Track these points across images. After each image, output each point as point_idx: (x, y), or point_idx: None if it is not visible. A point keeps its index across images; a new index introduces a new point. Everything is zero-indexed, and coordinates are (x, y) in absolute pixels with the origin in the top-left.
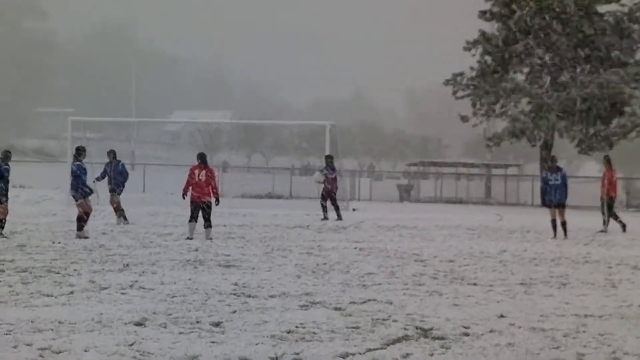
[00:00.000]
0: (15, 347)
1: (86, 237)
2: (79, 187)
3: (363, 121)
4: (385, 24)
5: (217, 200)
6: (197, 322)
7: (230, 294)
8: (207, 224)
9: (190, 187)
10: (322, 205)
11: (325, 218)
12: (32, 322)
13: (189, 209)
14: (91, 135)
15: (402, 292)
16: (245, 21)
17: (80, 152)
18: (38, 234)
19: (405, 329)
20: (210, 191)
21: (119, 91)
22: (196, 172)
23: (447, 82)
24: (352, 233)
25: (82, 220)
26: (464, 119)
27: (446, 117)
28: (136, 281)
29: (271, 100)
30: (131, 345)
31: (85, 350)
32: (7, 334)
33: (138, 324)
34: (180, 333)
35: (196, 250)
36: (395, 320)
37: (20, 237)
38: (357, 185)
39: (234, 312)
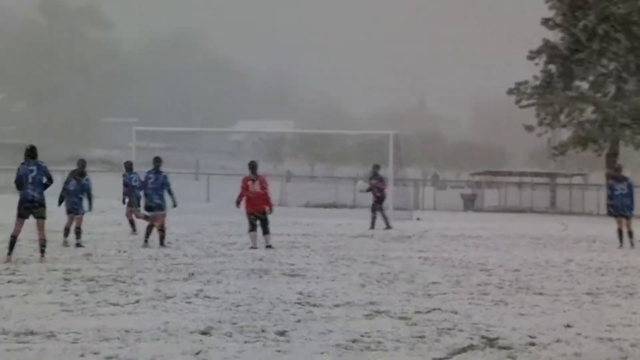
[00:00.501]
0: (82, 355)
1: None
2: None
3: (426, 130)
4: (448, 33)
5: (271, 209)
6: (263, 331)
7: (295, 303)
8: (266, 232)
9: (245, 198)
10: (382, 215)
11: (389, 227)
12: (98, 330)
13: (247, 220)
14: (155, 145)
15: (467, 301)
16: (309, 31)
17: (160, 162)
18: (104, 243)
19: (471, 338)
20: (265, 200)
21: (183, 101)
22: (249, 183)
23: (510, 91)
24: (416, 242)
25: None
26: (529, 128)
27: (510, 126)
28: (201, 290)
29: (334, 110)
30: (197, 354)
31: (152, 359)
32: (74, 342)
33: (203, 333)
34: (246, 342)
35: (260, 259)
36: (460, 330)
37: (86, 246)
38: (421, 194)
39: (299, 321)
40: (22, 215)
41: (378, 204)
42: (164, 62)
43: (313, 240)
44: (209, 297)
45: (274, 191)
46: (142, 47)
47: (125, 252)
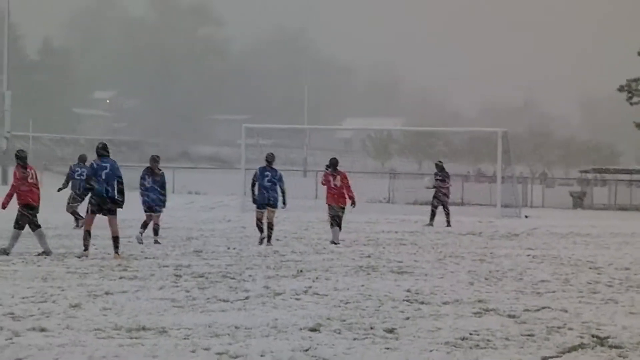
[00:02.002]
0: (193, 351)
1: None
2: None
3: (535, 128)
4: (557, 30)
5: (353, 202)
6: (371, 328)
7: (403, 300)
8: (338, 226)
9: (329, 191)
10: (445, 212)
11: (430, 224)
12: (209, 326)
13: (328, 215)
14: (264, 142)
15: (577, 299)
16: (416, 28)
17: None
18: (213, 239)
19: (581, 337)
20: (346, 195)
21: (291, 98)
22: (330, 178)
23: (621, 89)
24: (524, 240)
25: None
26: None
27: (620, 123)
28: (310, 287)
29: (442, 107)
30: (306, 350)
31: (262, 355)
32: (185, 338)
33: (313, 330)
34: (355, 339)
35: (369, 256)
36: (570, 329)
37: (196, 242)
38: (529, 192)
39: (408, 318)
40: (93, 211)
41: (438, 200)
42: (272, 60)
43: (421, 237)
44: (317, 294)
45: (382, 189)
46: (251, 44)
47: (234, 248)
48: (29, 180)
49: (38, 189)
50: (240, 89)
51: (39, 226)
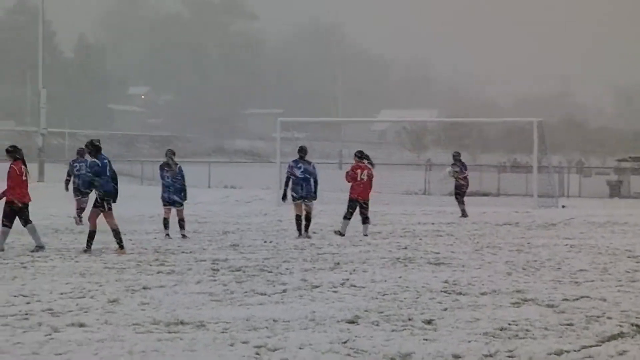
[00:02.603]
0: (231, 345)
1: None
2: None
3: (571, 117)
4: (592, 19)
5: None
6: (409, 319)
7: (441, 291)
8: (365, 221)
9: (353, 186)
10: (460, 202)
11: (464, 216)
12: (247, 320)
13: (347, 207)
14: (299, 135)
15: (615, 288)
16: (449, 19)
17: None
18: (250, 233)
19: (620, 326)
20: (370, 190)
21: (326, 91)
22: (358, 171)
23: None
24: (562, 230)
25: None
26: None
27: None
28: (347, 279)
29: (477, 98)
30: (345, 342)
31: (300, 348)
32: (223, 332)
33: (350, 322)
34: (393, 330)
35: (405, 248)
36: (609, 317)
37: (233, 236)
38: (566, 181)
39: (446, 309)
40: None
41: (458, 191)
42: (306, 54)
43: (457, 228)
44: (355, 286)
45: (418, 181)
46: (285, 39)
47: (271, 242)
48: (24, 178)
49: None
50: (274, 82)
51: (30, 221)
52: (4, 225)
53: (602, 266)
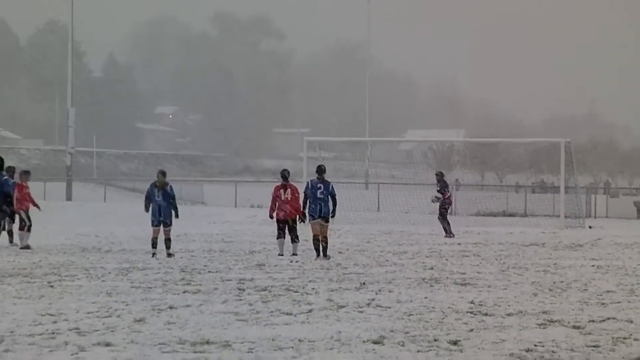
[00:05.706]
0: None
1: None
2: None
3: (598, 137)
4: (618, 38)
5: (301, 218)
6: (435, 340)
7: (467, 312)
8: (294, 239)
9: (277, 206)
10: (442, 223)
11: (450, 235)
12: (272, 340)
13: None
14: (325, 155)
15: None
16: (477, 40)
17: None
18: (276, 252)
19: None
20: (295, 208)
21: (353, 110)
22: (281, 191)
23: None
24: (589, 251)
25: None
26: None
27: None
28: (373, 299)
29: (504, 118)
30: None
31: None
32: (249, 352)
33: (376, 342)
34: (419, 351)
35: (432, 268)
36: (636, 339)
37: (259, 256)
38: (593, 202)
39: (472, 330)
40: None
41: (441, 211)
42: (333, 73)
43: (484, 249)
44: (381, 306)
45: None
46: (312, 58)
47: (297, 262)
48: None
49: None
50: (301, 102)
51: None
52: None
53: (629, 287)
